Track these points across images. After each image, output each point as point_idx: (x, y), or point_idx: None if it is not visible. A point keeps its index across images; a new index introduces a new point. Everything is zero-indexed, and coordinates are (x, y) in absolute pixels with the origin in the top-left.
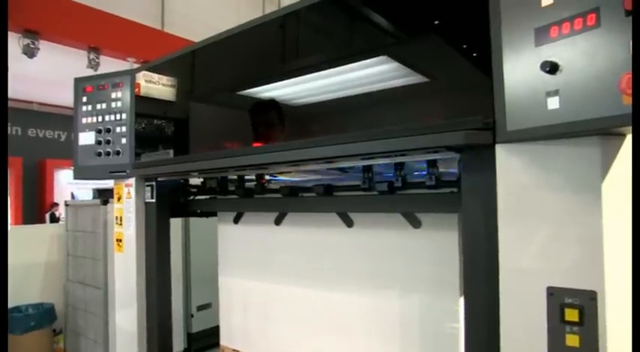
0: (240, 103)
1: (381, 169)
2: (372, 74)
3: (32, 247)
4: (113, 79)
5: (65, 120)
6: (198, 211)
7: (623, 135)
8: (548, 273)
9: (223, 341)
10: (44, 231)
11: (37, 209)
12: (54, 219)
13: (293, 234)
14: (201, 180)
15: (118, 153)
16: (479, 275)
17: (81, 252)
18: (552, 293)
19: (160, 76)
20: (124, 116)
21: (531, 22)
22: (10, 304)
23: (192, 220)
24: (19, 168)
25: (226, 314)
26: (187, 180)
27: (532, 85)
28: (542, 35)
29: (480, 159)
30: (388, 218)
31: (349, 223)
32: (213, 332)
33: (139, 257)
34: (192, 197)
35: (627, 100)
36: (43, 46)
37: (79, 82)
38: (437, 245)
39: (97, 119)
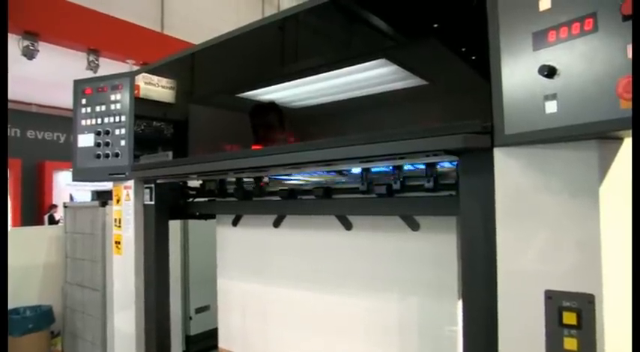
0: (240, 106)
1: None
2: (370, 77)
3: (30, 249)
4: (112, 81)
5: (64, 122)
6: (197, 213)
7: (621, 139)
8: (547, 276)
9: (222, 343)
10: (43, 233)
11: (36, 210)
12: (52, 221)
13: (292, 237)
14: (200, 182)
15: (117, 155)
16: (477, 278)
17: (79, 254)
18: (550, 296)
19: (160, 78)
20: (123, 118)
21: (529, 26)
22: (9, 306)
23: (191, 222)
24: (18, 170)
25: (225, 316)
26: (186, 183)
27: (530, 88)
28: (540, 39)
29: (478, 163)
30: (387, 221)
31: (348, 226)
32: (212, 335)
33: (138, 259)
34: (191, 199)
35: (625, 104)
36: (43, 47)
37: (78, 84)
38: (435, 248)
39: (97, 121)
